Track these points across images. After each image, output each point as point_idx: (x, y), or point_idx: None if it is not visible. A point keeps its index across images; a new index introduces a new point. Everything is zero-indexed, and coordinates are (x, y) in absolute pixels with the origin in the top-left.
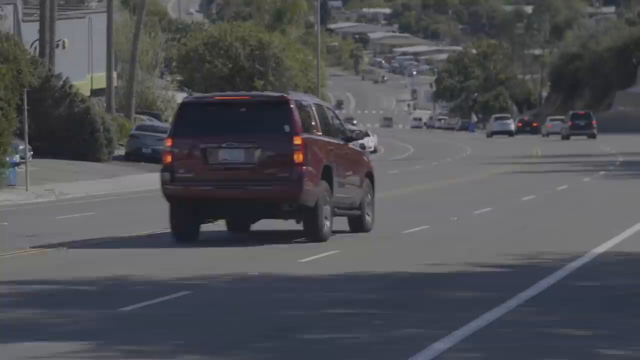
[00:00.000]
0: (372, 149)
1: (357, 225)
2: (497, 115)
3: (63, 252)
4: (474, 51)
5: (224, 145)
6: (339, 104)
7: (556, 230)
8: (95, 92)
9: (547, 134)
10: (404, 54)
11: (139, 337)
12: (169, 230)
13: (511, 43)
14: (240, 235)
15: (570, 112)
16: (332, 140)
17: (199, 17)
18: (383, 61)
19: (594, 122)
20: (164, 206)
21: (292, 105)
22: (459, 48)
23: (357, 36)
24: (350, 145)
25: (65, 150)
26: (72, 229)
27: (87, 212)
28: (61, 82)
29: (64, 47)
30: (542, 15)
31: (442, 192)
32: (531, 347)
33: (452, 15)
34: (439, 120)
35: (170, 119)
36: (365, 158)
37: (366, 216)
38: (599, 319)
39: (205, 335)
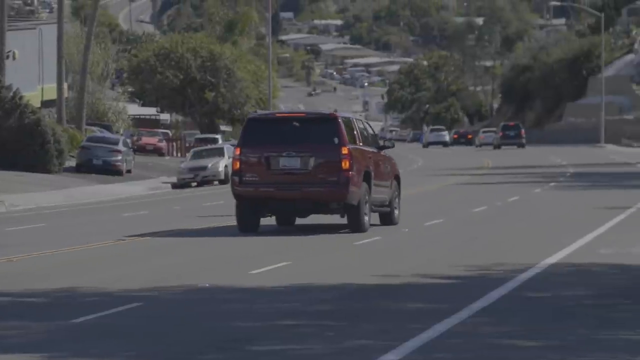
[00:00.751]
0: None
1: (387, 219)
2: (433, 127)
3: (14, 262)
4: (425, 63)
5: (283, 154)
6: None
7: (507, 242)
8: (45, 104)
9: (480, 145)
10: (355, 65)
11: (90, 349)
12: (120, 240)
13: (462, 54)
14: (286, 227)
15: (502, 124)
16: (369, 149)
17: (150, 28)
18: (334, 72)
19: (522, 132)
20: (115, 217)
21: (340, 121)
22: (411, 59)
23: (308, 47)
24: (382, 152)
25: (16, 161)
26: (23, 240)
27: (37, 224)
28: (11, 94)
29: (14, 58)
30: (493, 27)
31: None
32: (482, 358)
33: (403, 27)
34: (391, 131)
35: (121, 130)
36: (393, 162)
37: (394, 212)
38: (550, 330)
39: (157, 346)
